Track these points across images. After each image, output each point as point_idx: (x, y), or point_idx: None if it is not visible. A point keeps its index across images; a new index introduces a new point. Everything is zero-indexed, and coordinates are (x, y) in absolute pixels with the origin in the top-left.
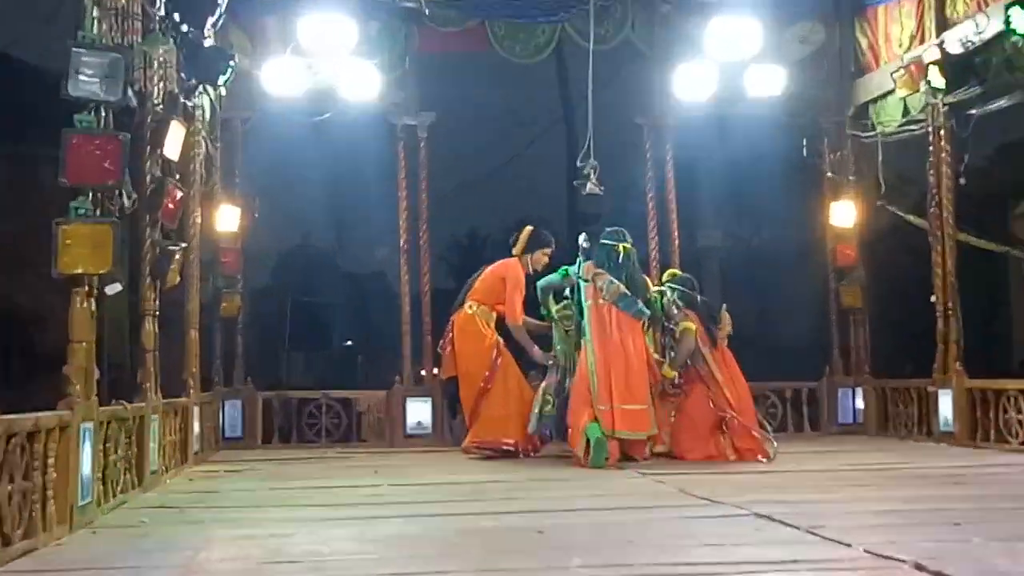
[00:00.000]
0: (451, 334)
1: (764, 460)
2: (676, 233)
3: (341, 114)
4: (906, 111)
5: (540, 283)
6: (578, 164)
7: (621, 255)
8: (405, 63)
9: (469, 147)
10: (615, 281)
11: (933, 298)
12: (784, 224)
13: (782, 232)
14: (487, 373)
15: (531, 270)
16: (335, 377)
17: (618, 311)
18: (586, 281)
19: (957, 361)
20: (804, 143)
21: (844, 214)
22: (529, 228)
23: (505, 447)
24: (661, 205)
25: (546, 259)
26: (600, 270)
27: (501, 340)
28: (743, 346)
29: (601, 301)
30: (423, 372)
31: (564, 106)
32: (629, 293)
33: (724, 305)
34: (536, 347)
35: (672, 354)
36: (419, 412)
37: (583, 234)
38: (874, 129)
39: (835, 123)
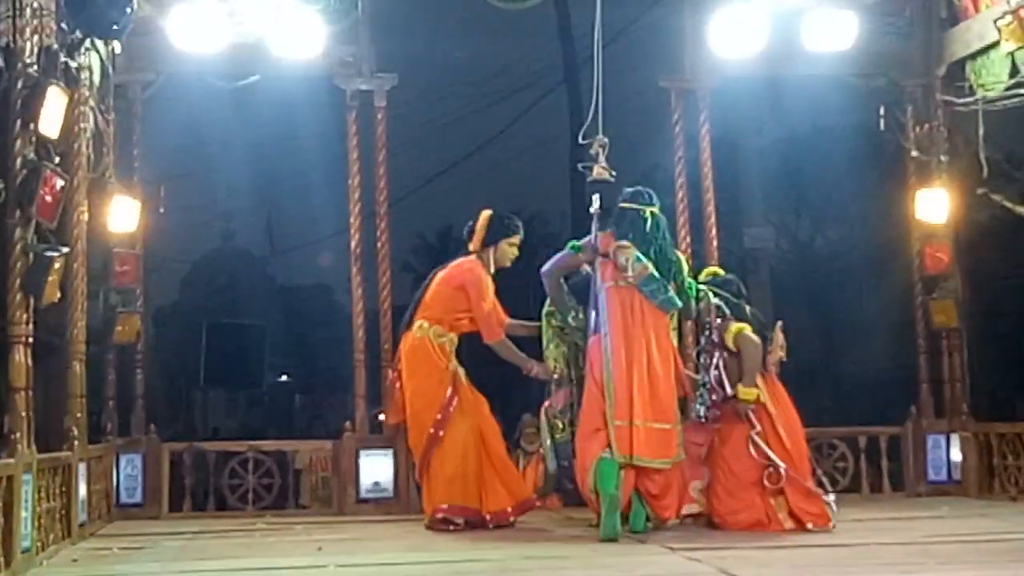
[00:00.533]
0: (398, 365)
1: (829, 528)
2: (714, 232)
3: (274, 77)
4: (1015, 70)
5: (545, 269)
6: (581, 141)
7: (648, 222)
8: (357, 8)
9: (441, 119)
10: (643, 258)
11: None
12: (855, 220)
13: (853, 230)
14: (438, 416)
15: (494, 269)
16: (267, 424)
17: (643, 298)
18: (604, 257)
19: None
20: (881, 112)
21: (934, 206)
22: (487, 213)
23: (454, 516)
24: (695, 195)
25: (515, 251)
26: (624, 242)
27: (462, 372)
28: (801, 380)
29: (622, 283)
30: (382, 416)
31: (566, 65)
32: (659, 275)
33: (779, 322)
34: (532, 361)
35: (715, 372)
36: (377, 469)
37: (595, 195)
38: (973, 94)
39: (921, 86)
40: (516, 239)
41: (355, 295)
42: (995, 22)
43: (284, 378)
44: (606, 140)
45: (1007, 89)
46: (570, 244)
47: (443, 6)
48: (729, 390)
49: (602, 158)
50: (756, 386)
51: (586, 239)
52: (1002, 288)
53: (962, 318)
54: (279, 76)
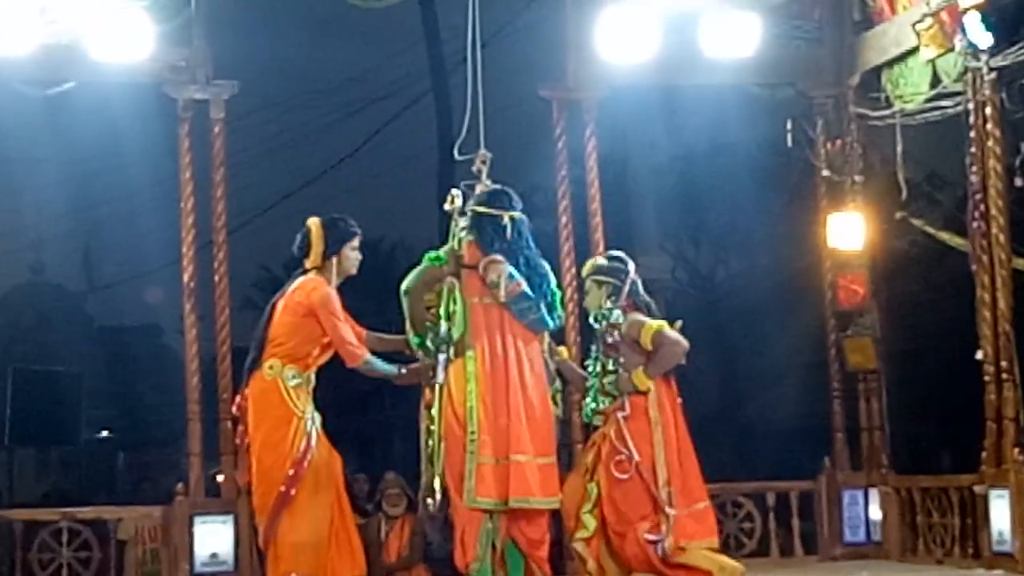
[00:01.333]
0: (243, 415)
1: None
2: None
3: (93, 83)
4: (936, 80)
5: (405, 286)
6: (458, 156)
7: (509, 228)
8: (190, 6)
9: (289, 133)
10: (516, 274)
11: (979, 354)
12: (761, 248)
13: (758, 260)
14: (291, 472)
15: (339, 281)
16: (84, 487)
17: (511, 317)
18: (470, 268)
19: (1016, 448)
20: (788, 127)
21: (848, 231)
22: (316, 221)
23: None
24: (580, 220)
25: (358, 255)
26: (495, 256)
27: (318, 420)
28: (702, 429)
29: (488, 300)
30: (220, 476)
31: (433, 72)
32: (530, 292)
33: (680, 321)
34: (397, 366)
35: (618, 371)
36: (215, 538)
37: (454, 192)
38: (890, 106)
39: (833, 97)
40: (357, 241)
41: (188, 337)
42: (914, 26)
43: (105, 434)
44: (489, 154)
45: (927, 101)
46: (427, 256)
47: (290, 4)
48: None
49: (485, 176)
50: (650, 379)
51: (446, 248)
52: (925, 324)
53: (880, 358)
54: (99, 82)
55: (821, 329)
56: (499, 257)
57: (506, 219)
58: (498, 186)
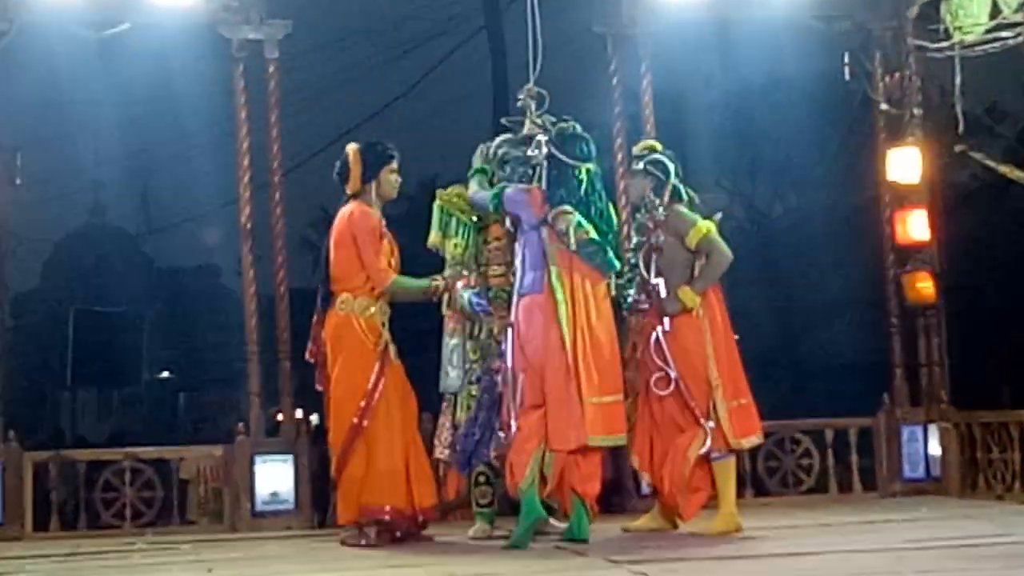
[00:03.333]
0: (323, 345)
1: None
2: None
3: (147, 25)
4: (995, 10)
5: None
6: (519, 97)
7: (584, 183)
8: None
9: (343, 73)
10: (584, 223)
11: None
12: (818, 183)
13: (816, 195)
14: (362, 404)
15: (381, 204)
16: (145, 427)
17: (580, 260)
18: (543, 223)
19: None
20: (845, 60)
21: (907, 166)
22: (354, 146)
23: (384, 517)
24: None
25: (398, 178)
26: (565, 207)
27: (393, 350)
28: (759, 366)
29: (563, 246)
30: (280, 416)
31: (486, 8)
32: (598, 238)
33: (720, 214)
34: (433, 278)
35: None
36: (276, 477)
37: (541, 138)
38: (949, 38)
39: (891, 30)
40: (395, 163)
41: (246, 277)
42: None
43: (165, 374)
44: (540, 91)
45: (987, 32)
46: (494, 193)
47: None
48: (653, 280)
49: (533, 111)
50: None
51: (513, 189)
52: (984, 259)
53: (940, 293)
54: (153, 24)
55: (880, 264)
56: (568, 208)
57: (583, 172)
58: (575, 127)
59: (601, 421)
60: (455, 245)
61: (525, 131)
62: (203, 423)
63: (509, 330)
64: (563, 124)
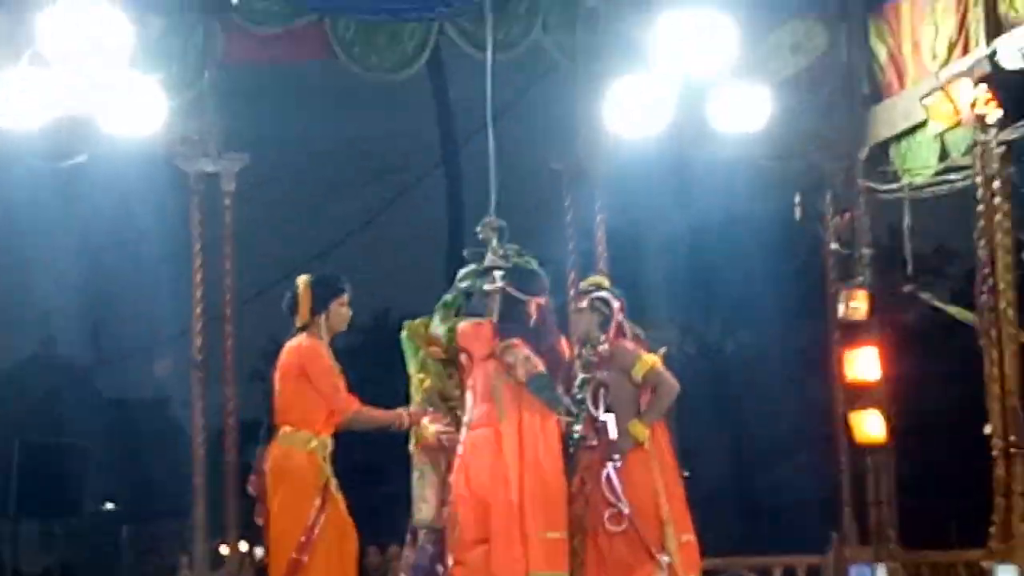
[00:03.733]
0: (264, 477)
1: None
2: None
3: (105, 156)
4: (944, 153)
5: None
6: (478, 229)
7: (534, 317)
8: (203, 79)
9: (298, 206)
10: (532, 357)
11: (988, 428)
12: (771, 320)
13: (768, 332)
14: (302, 538)
15: (329, 337)
16: (89, 559)
17: (528, 395)
18: (492, 356)
19: None
20: (797, 200)
21: (856, 305)
22: (305, 278)
23: None
24: None
25: (348, 311)
26: (514, 340)
27: (334, 483)
28: (709, 501)
29: (511, 379)
30: (225, 549)
31: (444, 145)
32: (546, 372)
33: (664, 348)
34: (398, 410)
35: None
36: None
37: (497, 274)
38: (898, 179)
39: (842, 170)
40: (345, 296)
41: (195, 409)
42: (922, 100)
43: (110, 506)
44: (501, 223)
45: (936, 174)
46: (450, 325)
47: (301, 77)
48: (601, 416)
49: (495, 243)
50: (647, 428)
51: (465, 323)
52: (933, 398)
53: (889, 432)
54: (111, 155)
55: (830, 402)
56: (516, 341)
57: (533, 307)
58: (533, 263)
59: (544, 556)
60: (420, 380)
61: (487, 262)
62: (147, 556)
63: (457, 463)
64: (519, 259)
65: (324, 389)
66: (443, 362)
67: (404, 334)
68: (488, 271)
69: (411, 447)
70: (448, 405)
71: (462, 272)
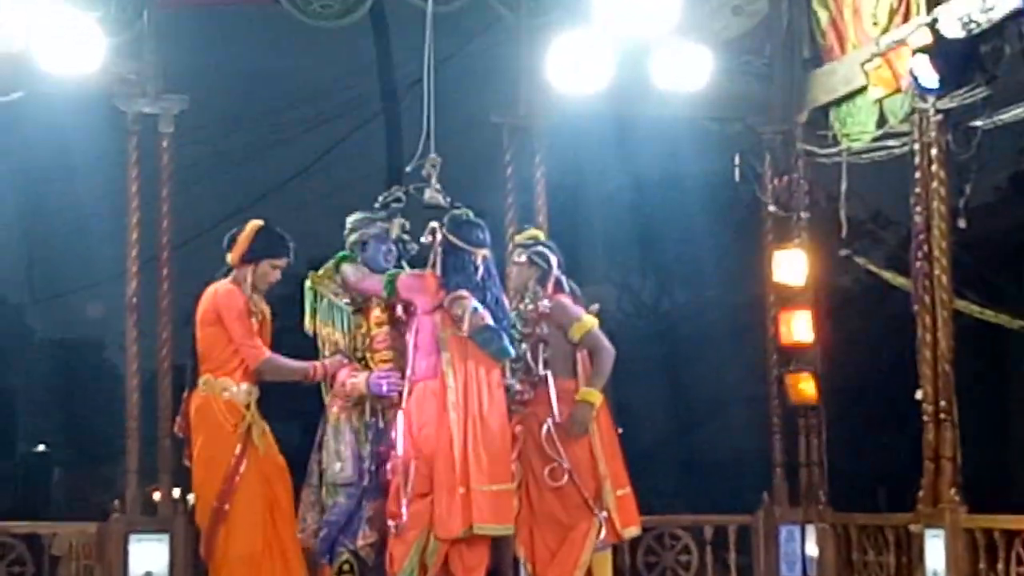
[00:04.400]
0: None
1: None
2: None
3: (42, 94)
4: (882, 119)
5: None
6: (408, 169)
7: (480, 269)
8: (143, 18)
9: (237, 150)
10: (480, 307)
11: (919, 394)
12: (707, 280)
13: (704, 292)
14: (223, 486)
15: (250, 292)
16: (18, 502)
17: (475, 347)
18: (438, 308)
19: (953, 488)
20: (736, 161)
21: (792, 267)
22: (255, 223)
23: None
24: None
25: (277, 275)
26: (461, 292)
27: (259, 430)
28: (642, 460)
29: (458, 332)
30: (157, 494)
31: (384, 93)
32: (493, 324)
33: (597, 305)
34: (311, 362)
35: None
36: (150, 557)
37: (433, 224)
38: (837, 143)
39: (781, 134)
40: (282, 262)
41: (130, 352)
42: (862, 66)
43: (41, 448)
44: (439, 159)
45: (874, 140)
46: (388, 275)
47: (244, 20)
48: (541, 371)
49: (435, 180)
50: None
51: (407, 275)
52: (866, 361)
53: (821, 394)
54: (48, 93)
55: (763, 363)
56: (464, 293)
57: (479, 258)
58: (469, 214)
59: (488, 509)
60: (330, 331)
61: (427, 198)
62: (79, 499)
63: (400, 416)
64: (456, 211)
65: (234, 336)
66: (353, 312)
67: (308, 285)
68: (386, 216)
69: (326, 398)
70: (359, 356)
71: (350, 220)
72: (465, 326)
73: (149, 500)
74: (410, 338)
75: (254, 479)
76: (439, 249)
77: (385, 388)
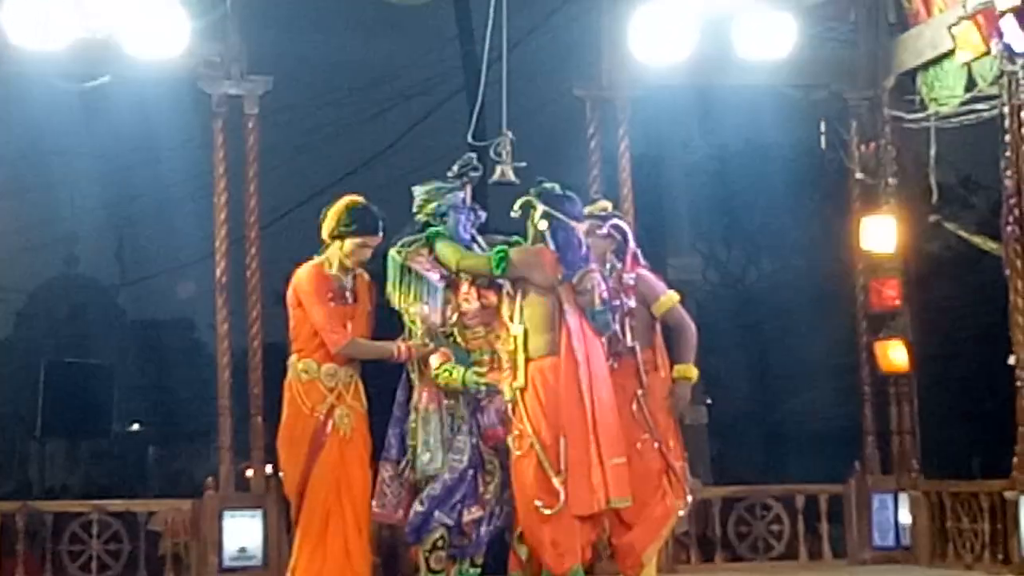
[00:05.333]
0: None
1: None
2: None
3: (128, 78)
4: (971, 83)
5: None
6: (473, 140)
7: (584, 242)
8: (226, 1)
9: (322, 129)
10: (602, 283)
11: (1012, 359)
12: (793, 249)
13: (790, 261)
14: (304, 467)
15: (335, 270)
16: (115, 479)
17: (587, 322)
18: (563, 280)
19: None
20: (822, 128)
21: (881, 234)
22: (347, 199)
23: None
24: None
25: (366, 253)
26: (592, 267)
27: (344, 412)
28: (731, 430)
29: (576, 309)
30: (250, 471)
31: (466, 70)
32: (607, 299)
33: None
34: (395, 342)
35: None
36: (244, 533)
37: (533, 198)
38: (924, 109)
39: (867, 100)
40: (371, 240)
41: (220, 331)
42: (950, 29)
43: (135, 427)
44: (510, 135)
45: (962, 104)
46: (500, 252)
47: (325, 1)
48: (629, 343)
49: (506, 155)
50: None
51: (522, 251)
52: (957, 328)
53: (912, 362)
54: (134, 77)
55: (853, 331)
56: (594, 267)
57: (581, 232)
58: (560, 188)
59: (615, 483)
60: (419, 308)
61: (496, 175)
62: (173, 476)
63: (521, 396)
64: (547, 184)
65: (316, 319)
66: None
67: (400, 263)
68: (460, 176)
69: (415, 380)
70: (449, 333)
71: (421, 192)
72: (597, 301)
73: (242, 477)
74: (516, 313)
75: (332, 461)
76: (545, 224)
77: (484, 392)
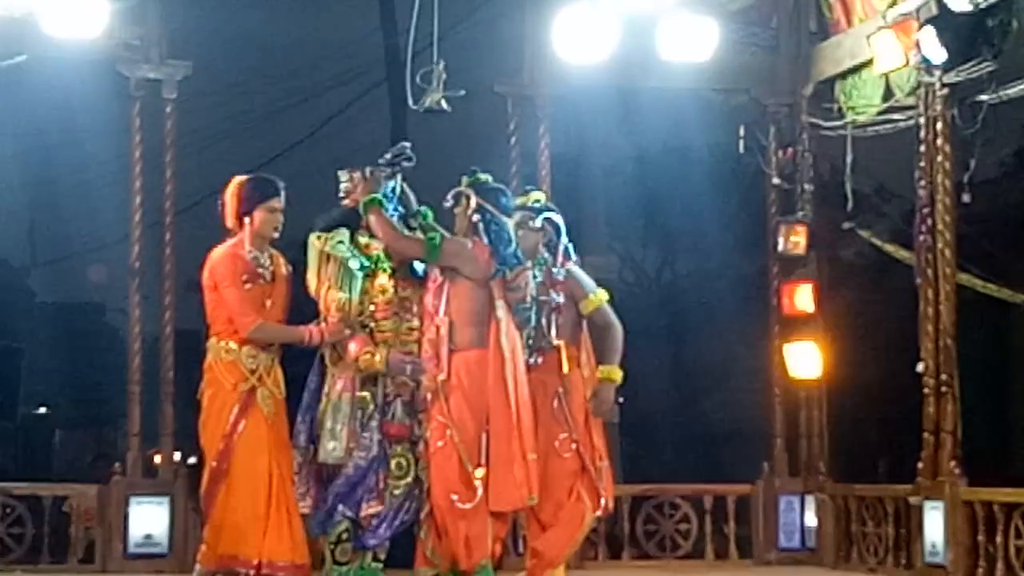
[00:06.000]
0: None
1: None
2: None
3: (45, 58)
4: (888, 94)
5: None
6: (417, 80)
7: (514, 237)
8: None
9: (240, 116)
10: (531, 282)
11: (920, 366)
12: (710, 252)
13: (706, 263)
14: (220, 446)
15: (251, 247)
16: (20, 463)
17: (513, 317)
18: (495, 276)
19: (953, 461)
20: (741, 133)
21: (795, 240)
22: (237, 180)
23: (238, 569)
24: None
25: (277, 218)
26: (526, 265)
27: (265, 392)
28: (643, 431)
29: (505, 304)
30: (157, 457)
31: (388, 60)
32: (533, 295)
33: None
34: (306, 326)
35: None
36: (150, 519)
37: (467, 191)
38: (842, 117)
39: (786, 106)
40: (275, 202)
41: (132, 316)
42: (869, 38)
43: (42, 410)
44: (444, 63)
45: (879, 114)
46: (432, 239)
47: None
48: (555, 340)
49: (438, 83)
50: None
51: (454, 242)
52: (868, 334)
53: (824, 367)
54: (52, 57)
55: (765, 335)
56: (528, 266)
57: (511, 227)
58: (491, 180)
59: (534, 479)
60: (343, 299)
61: (427, 103)
62: (80, 461)
63: (444, 387)
64: (480, 176)
65: (227, 299)
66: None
67: (321, 249)
68: (392, 164)
69: (331, 368)
70: (363, 323)
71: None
72: (526, 297)
73: (150, 463)
74: (442, 304)
75: (255, 441)
76: (478, 216)
77: (409, 371)
